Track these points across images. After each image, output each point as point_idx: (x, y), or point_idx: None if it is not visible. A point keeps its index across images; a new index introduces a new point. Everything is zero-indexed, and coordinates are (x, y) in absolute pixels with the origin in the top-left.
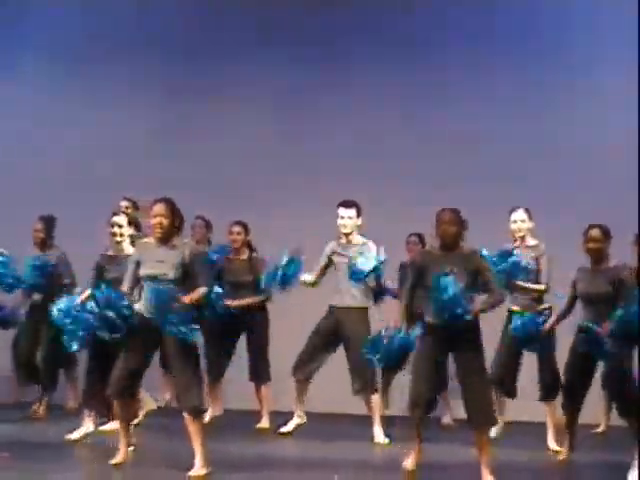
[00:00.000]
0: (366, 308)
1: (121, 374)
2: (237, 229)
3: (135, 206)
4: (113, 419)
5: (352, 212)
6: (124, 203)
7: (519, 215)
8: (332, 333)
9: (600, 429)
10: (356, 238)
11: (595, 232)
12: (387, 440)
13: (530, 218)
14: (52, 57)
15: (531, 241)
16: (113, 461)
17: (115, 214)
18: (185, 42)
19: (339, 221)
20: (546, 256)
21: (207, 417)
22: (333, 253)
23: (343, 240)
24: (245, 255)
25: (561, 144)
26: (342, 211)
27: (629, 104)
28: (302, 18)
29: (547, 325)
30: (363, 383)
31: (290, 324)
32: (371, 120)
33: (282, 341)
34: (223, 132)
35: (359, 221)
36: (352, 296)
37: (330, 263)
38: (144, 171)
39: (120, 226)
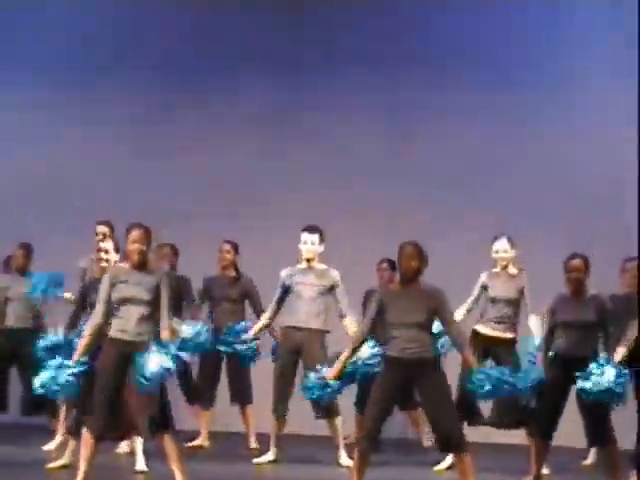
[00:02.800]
0: (325, 331)
1: (101, 408)
2: (227, 247)
3: (111, 229)
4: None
5: (315, 237)
6: (101, 229)
7: (501, 245)
8: (294, 356)
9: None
10: (317, 264)
11: (577, 262)
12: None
13: (512, 247)
14: (36, 72)
15: (512, 269)
16: None
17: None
18: (171, 57)
19: (302, 246)
20: (527, 287)
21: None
22: (289, 284)
23: (302, 265)
24: (232, 273)
25: (559, 159)
26: (305, 236)
27: (629, 117)
28: (287, 33)
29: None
30: (328, 406)
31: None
32: (356, 135)
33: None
34: (208, 148)
35: (321, 247)
36: (311, 318)
37: (285, 293)
38: (128, 188)
39: (107, 252)
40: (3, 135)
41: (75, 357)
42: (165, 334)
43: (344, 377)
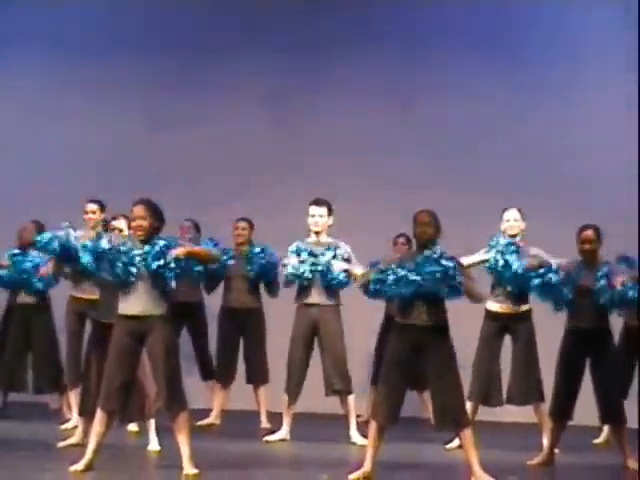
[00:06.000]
0: (338, 305)
1: (113, 386)
2: (242, 224)
3: (102, 208)
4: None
5: (323, 210)
6: (90, 207)
7: (512, 214)
8: (309, 334)
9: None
10: (325, 238)
11: (589, 233)
12: (365, 441)
13: (523, 218)
14: (39, 51)
15: (520, 243)
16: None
17: (114, 218)
18: (178, 38)
19: (310, 219)
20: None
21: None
22: (299, 252)
23: (312, 239)
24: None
25: (558, 150)
26: (313, 209)
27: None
28: (297, 13)
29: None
30: (342, 383)
31: (285, 323)
32: (367, 117)
33: (278, 341)
34: (217, 129)
35: (330, 220)
36: (323, 293)
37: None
38: (131, 168)
39: (120, 230)
40: (17, 112)
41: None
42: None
43: None
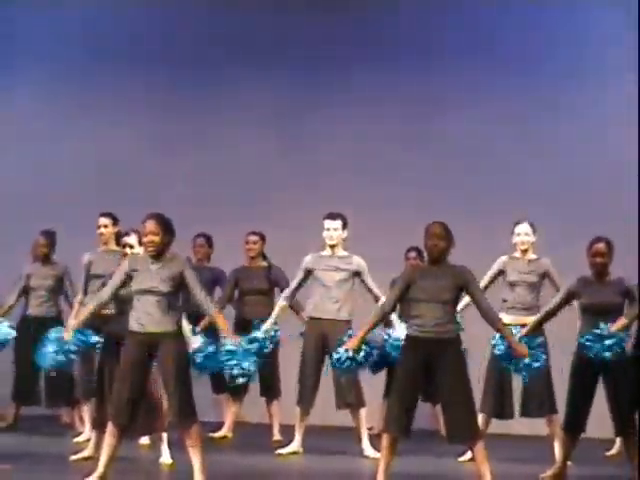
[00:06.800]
0: (350, 320)
1: (123, 400)
2: (253, 238)
3: (114, 221)
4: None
5: (337, 224)
6: (103, 220)
7: (523, 228)
8: (320, 347)
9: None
10: (340, 251)
11: (601, 246)
12: (377, 454)
13: (534, 232)
14: (40, 70)
15: (532, 255)
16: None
17: (127, 234)
18: (183, 56)
19: (325, 233)
20: (553, 270)
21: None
22: (312, 268)
23: (327, 252)
24: (262, 264)
25: (561, 156)
26: (328, 223)
27: (630, 115)
28: (302, 29)
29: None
30: (354, 397)
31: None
32: (372, 132)
33: (290, 354)
34: (221, 146)
35: (344, 234)
36: (336, 308)
37: (306, 278)
38: (140, 186)
39: (132, 247)
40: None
41: (70, 329)
42: (219, 320)
43: (372, 353)
